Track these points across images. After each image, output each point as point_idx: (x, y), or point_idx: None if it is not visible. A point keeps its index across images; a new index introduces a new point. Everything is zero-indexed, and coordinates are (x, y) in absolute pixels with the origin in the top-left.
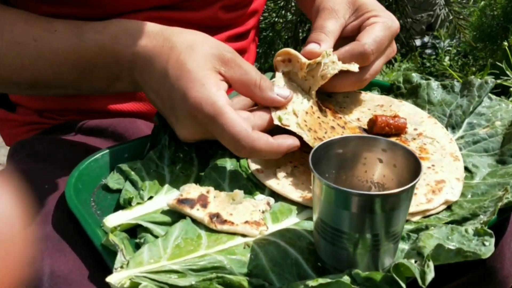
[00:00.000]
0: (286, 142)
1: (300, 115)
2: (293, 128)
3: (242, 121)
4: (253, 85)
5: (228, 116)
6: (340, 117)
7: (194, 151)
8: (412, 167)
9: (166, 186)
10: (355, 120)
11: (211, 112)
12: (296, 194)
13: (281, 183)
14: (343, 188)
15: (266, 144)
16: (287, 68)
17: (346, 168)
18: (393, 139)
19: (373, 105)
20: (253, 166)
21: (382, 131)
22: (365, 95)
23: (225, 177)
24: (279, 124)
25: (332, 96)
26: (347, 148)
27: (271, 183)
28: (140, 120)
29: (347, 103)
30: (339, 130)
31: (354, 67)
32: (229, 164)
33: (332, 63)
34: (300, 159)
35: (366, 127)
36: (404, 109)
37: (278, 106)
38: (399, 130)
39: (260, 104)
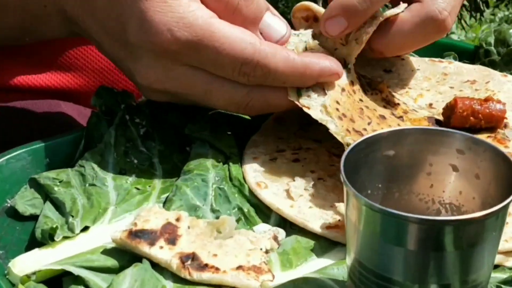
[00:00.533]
0: (318, 63)
1: (331, 93)
2: (314, 112)
3: (243, 33)
4: (224, 3)
5: (220, 34)
6: (398, 103)
7: (157, 153)
8: (505, 179)
9: (111, 209)
10: (426, 106)
11: (190, 37)
12: (319, 223)
13: (297, 205)
14: (395, 211)
15: (286, 61)
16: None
17: (400, 180)
18: (483, 136)
19: (459, 81)
20: (252, 177)
21: (464, 123)
22: (447, 65)
23: (207, 194)
24: (294, 101)
25: (392, 71)
26: (402, 148)
27: (281, 205)
28: (66, 102)
29: (416, 80)
30: (392, 122)
31: (401, 7)
32: (212, 172)
33: (370, 18)
34: (327, 167)
35: (440, 117)
36: (510, 89)
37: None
38: (492, 122)
39: None
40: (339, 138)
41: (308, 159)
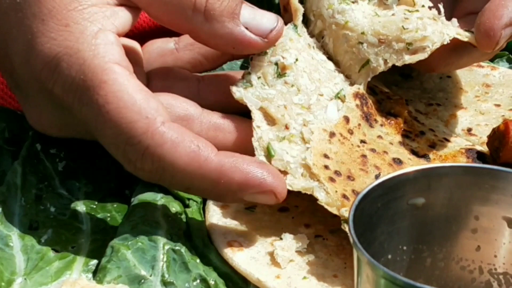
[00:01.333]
0: (243, 170)
1: (314, 143)
2: (292, 180)
3: (146, 100)
4: (188, 3)
5: (109, 89)
6: (422, 130)
7: (83, 197)
8: None
9: (18, 283)
10: (463, 132)
11: (75, 78)
12: None
13: (286, 274)
14: (428, 287)
15: (192, 158)
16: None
17: (434, 240)
18: None
19: (507, 95)
20: (221, 235)
21: None
22: (489, 72)
23: (156, 259)
24: (259, 153)
25: (413, 77)
26: (436, 195)
27: (263, 274)
28: None
29: (446, 92)
30: (410, 162)
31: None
32: (163, 227)
33: (420, 21)
34: (328, 219)
35: (485, 149)
36: None
37: (247, 52)
38: None
39: (210, 46)
40: (333, 210)
41: (301, 208)
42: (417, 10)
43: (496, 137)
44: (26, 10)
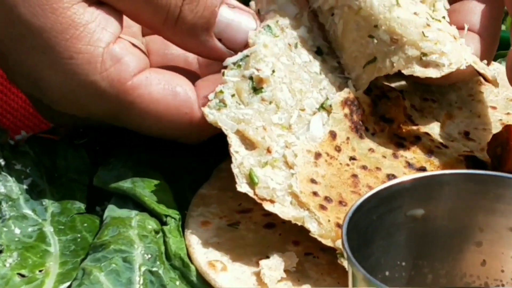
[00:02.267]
0: None
1: (299, 168)
2: (281, 209)
3: (161, 81)
4: (163, 13)
5: (141, 103)
6: (418, 135)
7: (51, 217)
8: None
9: None
10: (460, 136)
11: (113, 111)
12: None
13: None
14: None
15: None
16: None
17: (435, 254)
18: None
19: (503, 96)
20: (202, 254)
21: None
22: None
23: (131, 282)
24: (248, 193)
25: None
26: (437, 205)
27: None
28: None
29: (439, 86)
30: (403, 171)
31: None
32: (139, 247)
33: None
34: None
35: (484, 156)
36: None
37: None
38: None
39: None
40: (327, 242)
41: (289, 223)
42: (439, 20)
43: (498, 143)
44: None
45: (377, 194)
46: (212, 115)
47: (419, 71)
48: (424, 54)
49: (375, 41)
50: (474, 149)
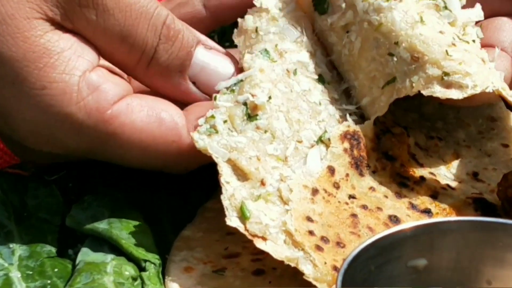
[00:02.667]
0: None
1: (294, 204)
2: (273, 247)
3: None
4: (139, 53)
5: (123, 134)
6: (422, 176)
7: (18, 261)
8: None
9: None
10: (468, 177)
11: (92, 143)
12: None
13: None
14: None
15: None
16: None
17: None
18: None
19: None
20: None
21: None
22: (497, 104)
23: None
24: (237, 228)
25: (410, 97)
26: (440, 255)
27: None
28: None
29: (447, 123)
30: (409, 219)
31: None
32: None
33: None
34: (312, 284)
35: (493, 198)
36: None
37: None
38: None
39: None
40: (323, 287)
41: (280, 270)
42: (467, 42)
43: (509, 185)
44: None
45: (375, 243)
46: (202, 141)
47: (440, 92)
48: (446, 74)
49: (395, 59)
50: (483, 191)
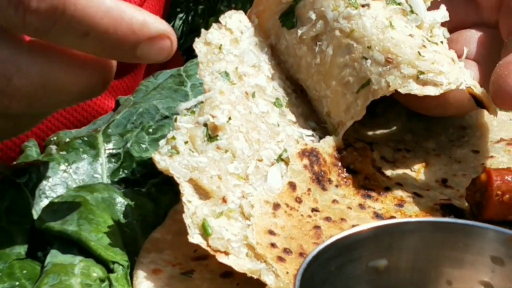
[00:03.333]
0: (142, 19)
1: (256, 218)
2: (236, 261)
3: None
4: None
5: None
6: (387, 186)
7: None
8: None
9: None
10: (436, 184)
11: None
12: None
13: None
14: None
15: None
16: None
17: None
18: None
19: (488, 139)
20: None
21: (506, 213)
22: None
23: None
24: (200, 244)
25: (378, 114)
26: (400, 255)
27: None
28: None
29: (416, 135)
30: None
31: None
32: None
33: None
34: None
35: (463, 204)
36: None
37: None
38: None
39: None
40: None
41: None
42: (436, 43)
43: (477, 189)
44: None
45: (335, 244)
46: (163, 162)
47: (417, 89)
48: (421, 73)
49: (369, 62)
50: (452, 197)
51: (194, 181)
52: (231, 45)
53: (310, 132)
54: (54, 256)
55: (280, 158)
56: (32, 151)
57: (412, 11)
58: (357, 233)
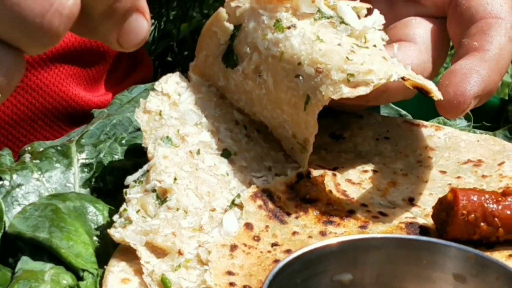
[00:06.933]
0: None
1: (213, 263)
2: None
3: None
4: None
5: None
6: (352, 209)
7: None
8: None
9: None
10: (404, 203)
11: None
12: None
13: None
14: None
15: None
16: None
17: None
18: (499, 254)
19: (454, 160)
20: None
21: (471, 233)
22: (433, 133)
23: None
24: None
25: (345, 138)
26: (365, 270)
27: None
28: None
29: (384, 157)
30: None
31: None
32: None
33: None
34: None
35: (430, 223)
36: None
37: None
38: None
39: None
40: None
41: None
42: (367, 47)
43: (443, 208)
44: None
45: (301, 257)
46: (118, 233)
47: (348, 92)
48: (351, 75)
49: (302, 78)
50: (418, 215)
51: (150, 243)
52: (171, 109)
53: (261, 174)
54: (25, 263)
55: (233, 204)
56: (6, 159)
57: (342, 22)
58: (323, 247)
